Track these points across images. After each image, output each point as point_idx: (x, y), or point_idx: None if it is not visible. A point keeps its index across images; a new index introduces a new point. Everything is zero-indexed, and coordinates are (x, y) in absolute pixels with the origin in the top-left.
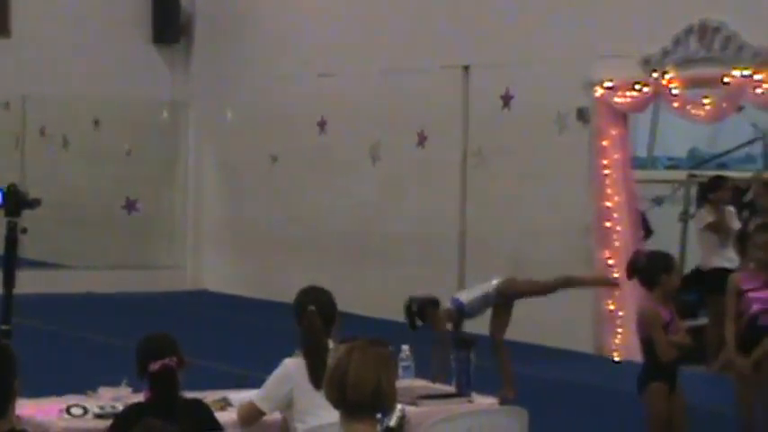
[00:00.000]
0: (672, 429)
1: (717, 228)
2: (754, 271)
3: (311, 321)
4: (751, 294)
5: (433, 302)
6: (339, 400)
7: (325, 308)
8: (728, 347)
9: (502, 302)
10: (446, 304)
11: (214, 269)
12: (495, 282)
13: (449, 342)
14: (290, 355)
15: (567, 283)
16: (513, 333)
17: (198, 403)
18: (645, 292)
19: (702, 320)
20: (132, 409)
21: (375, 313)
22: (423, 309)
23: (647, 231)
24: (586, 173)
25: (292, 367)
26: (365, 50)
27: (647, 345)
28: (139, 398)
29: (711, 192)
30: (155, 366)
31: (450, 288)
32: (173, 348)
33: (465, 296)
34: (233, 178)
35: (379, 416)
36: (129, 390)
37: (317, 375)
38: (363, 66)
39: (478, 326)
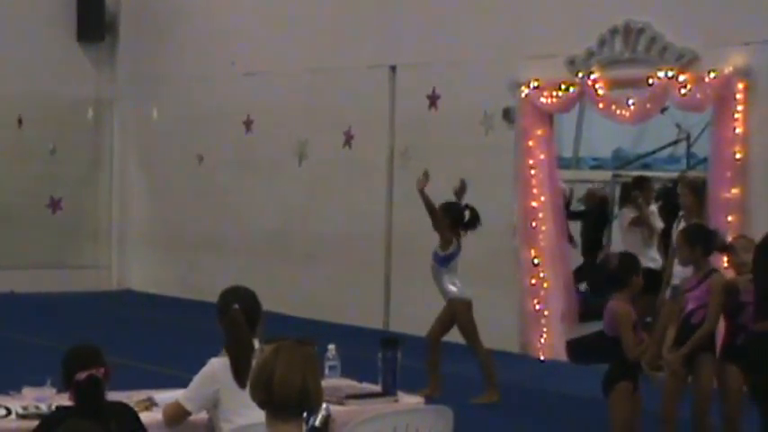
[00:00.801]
0: (633, 429)
1: (640, 222)
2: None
3: (235, 319)
4: (688, 294)
5: None
6: (265, 400)
7: (249, 306)
8: (652, 344)
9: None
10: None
11: (139, 269)
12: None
13: None
14: (215, 354)
15: None
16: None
17: (123, 406)
18: (614, 293)
19: None
20: (59, 412)
21: (301, 313)
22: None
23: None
24: (512, 173)
25: (218, 367)
26: (292, 50)
27: (616, 344)
28: (63, 398)
29: (634, 191)
30: (81, 376)
31: (376, 288)
32: (99, 359)
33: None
34: (158, 177)
35: (304, 415)
36: (54, 390)
37: (241, 374)
38: (290, 65)
39: (406, 326)
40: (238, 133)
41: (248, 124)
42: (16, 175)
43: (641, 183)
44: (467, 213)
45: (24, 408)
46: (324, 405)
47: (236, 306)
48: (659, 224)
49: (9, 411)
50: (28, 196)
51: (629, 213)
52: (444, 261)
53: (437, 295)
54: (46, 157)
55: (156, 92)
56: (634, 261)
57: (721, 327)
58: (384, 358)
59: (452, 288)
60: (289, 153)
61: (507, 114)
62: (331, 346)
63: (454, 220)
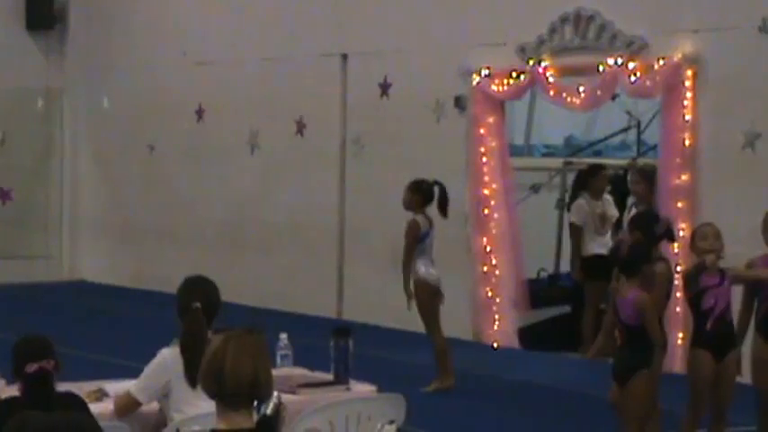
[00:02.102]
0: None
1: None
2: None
3: (195, 319)
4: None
5: None
6: (216, 390)
7: (210, 302)
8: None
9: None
10: None
11: (91, 259)
12: None
13: None
14: (167, 345)
15: None
16: (392, 320)
17: (72, 396)
18: (625, 280)
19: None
20: (6, 404)
21: (254, 302)
22: None
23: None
24: (464, 160)
25: (169, 357)
26: (243, 38)
27: (640, 331)
28: (13, 390)
29: (590, 179)
30: (31, 369)
31: (329, 276)
32: (49, 351)
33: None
34: (110, 167)
35: (255, 404)
36: (3, 382)
37: (193, 372)
38: (241, 54)
39: (358, 315)
40: (190, 123)
41: (200, 113)
42: None
43: (596, 171)
44: (436, 189)
45: None
46: (275, 394)
47: (197, 305)
48: (613, 212)
49: None
50: None
51: (585, 201)
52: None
53: (390, 284)
54: None
55: (107, 81)
56: (644, 249)
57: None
58: (336, 347)
59: (418, 270)
60: (241, 142)
61: (459, 102)
62: (283, 335)
63: (424, 197)
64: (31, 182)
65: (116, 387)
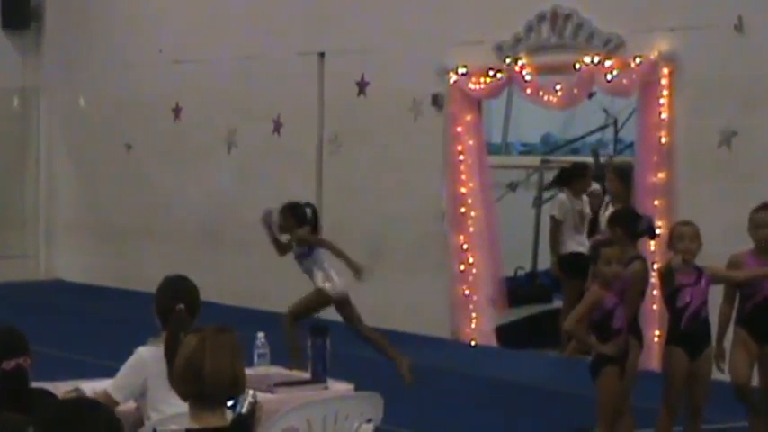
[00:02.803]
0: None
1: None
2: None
3: (180, 320)
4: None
5: None
6: (194, 391)
7: (192, 304)
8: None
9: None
10: None
11: (67, 258)
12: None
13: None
14: (143, 343)
15: None
16: (372, 319)
17: (47, 394)
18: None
19: (557, 304)
20: None
21: (230, 301)
22: None
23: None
24: (441, 159)
25: (147, 356)
26: (220, 36)
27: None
28: None
29: (575, 178)
30: (9, 366)
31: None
32: (25, 346)
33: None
34: (87, 166)
35: (229, 403)
36: None
37: None
38: (218, 52)
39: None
40: (167, 121)
41: (177, 112)
42: None
43: (581, 170)
44: (308, 211)
45: None
46: (250, 392)
47: (181, 306)
48: (589, 211)
49: None
50: None
51: (566, 197)
52: (303, 257)
53: (369, 281)
54: None
55: (83, 80)
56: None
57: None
58: (314, 345)
59: (318, 281)
60: (218, 141)
61: (436, 100)
62: (260, 334)
63: (299, 220)
64: (7, 181)
65: (93, 386)
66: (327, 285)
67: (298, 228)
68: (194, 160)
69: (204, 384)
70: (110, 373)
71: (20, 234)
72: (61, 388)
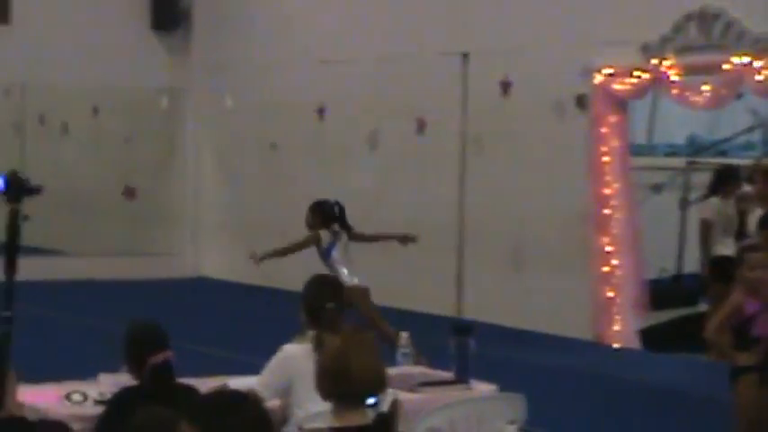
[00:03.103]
0: None
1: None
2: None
3: (332, 319)
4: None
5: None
6: (340, 391)
7: (341, 303)
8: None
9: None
10: None
11: (213, 256)
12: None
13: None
14: (289, 341)
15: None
16: (515, 320)
17: (192, 390)
18: None
19: (703, 307)
20: (127, 394)
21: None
22: None
23: None
24: (585, 160)
25: (293, 354)
26: (365, 37)
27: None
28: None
29: (727, 181)
30: (157, 360)
31: (448, 275)
32: (167, 340)
33: None
34: (232, 165)
35: (369, 402)
36: (129, 376)
37: None
38: (363, 52)
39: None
40: (311, 121)
41: (321, 112)
42: (92, 164)
43: (737, 174)
44: (336, 209)
45: (101, 394)
46: (390, 390)
47: (332, 305)
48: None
49: (86, 397)
50: (104, 184)
51: (718, 200)
52: (326, 255)
53: (511, 282)
54: (121, 146)
55: (230, 80)
56: None
57: None
58: (457, 345)
59: (344, 277)
60: (361, 141)
61: (581, 101)
62: (404, 334)
63: (326, 216)
64: (155, 180)
65: (238, 383)
66: (356, 281)
67: (323, 226)
68: (337, 160)
69: (351, 384)
70: (253, 370)
71: (167, 232)
72: (208, 384)
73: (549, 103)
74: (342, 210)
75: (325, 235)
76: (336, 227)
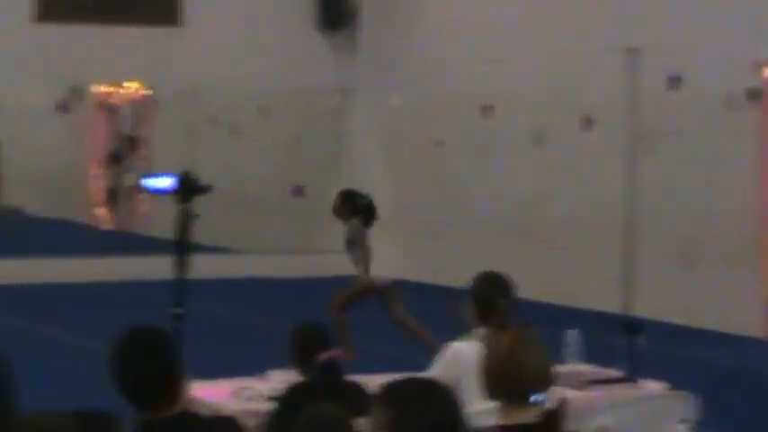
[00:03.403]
0: None
1: None
2: None
3: (503, 316)
4: None
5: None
6: (511, 389)
7: (513, 299)
8: None
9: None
10: None
11: (381, 254)
12: None
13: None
14: (454, 338)
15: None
16: (686, 318)
17: (360, 388)
18: None
19: None
20: (297, 390)
21: (540, 297)
22: None
23: None
24: (757, 155)
25: (461, 351)
26: (531, 33)
27: None
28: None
29: None
30: (324, 357)
31: (616, 272)
32: (331, 339)
33: None
34: (399, 163)
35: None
36: (297, 373)
37: None
38: (528, 49)
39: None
40: (477, 118)
41: (486, 110)
42: (261, 163)
43: None
44: (364, 202)
45: (272, 390)
46: (556, 388)
47: (505, 301)
48: None
49: (256, 393)
50: (272, 183)
51: None
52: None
53: (682, 280)
54: (290, 145)
55: (396, 78)
56: None
57: None
58: (627, 343)
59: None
60: (527, 137)
61: (752, 95)
62: (572, 331)
63: (353, 208)
64: (323, 178)
65: None
66: (372, 275)
67: (351, 216)
68: (503, 157)
69: (520, 382)
70: (420, 368)
71: (335, 230)
72: (376, 381)
73: (720, 97)
74: (367, 206)
75: (354, 225)
76: (359, 219)
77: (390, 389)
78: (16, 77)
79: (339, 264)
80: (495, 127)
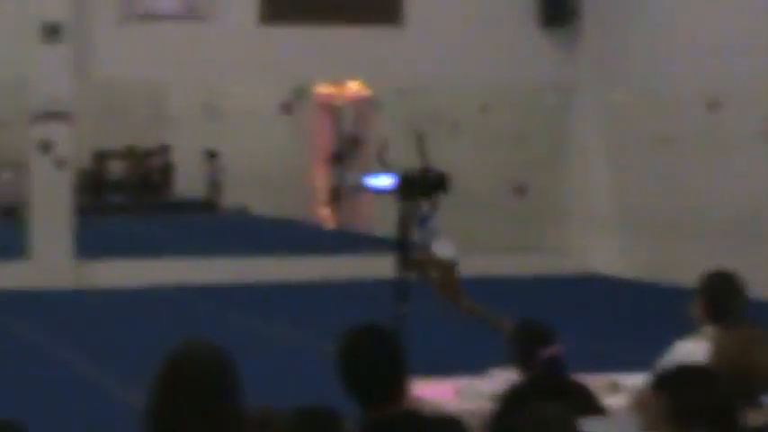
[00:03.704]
0: None
1: None
2: None
3: (737, 316)
4: None
5: None
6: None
7: (745, 298)
8: None
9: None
10: None
11: (603, 251)
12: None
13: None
14: (678, 338)
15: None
16: None
17: (584, 388)
18: None
19: None
20: (520, 390)
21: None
22: None
23: None
24: None
25: (688, 351)
26: (756, 25)
27: None
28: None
29: None
30: (545, 354)
31: None
32: (555, 336)
33: None
34: (620, 160)
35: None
36: (518, 371)
37: None
38: (756, 41)
39: None
40: (702, 114)
41: (712, 105)
42: (482, 162)
43: None
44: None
45: (494, 390)
46: None
47: (739, 301)
48: None
49: (479, 392)
50: (494, 182)
51: None
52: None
53: None
54: (511, 143)
55: (617, 75)
56: None
57: None
58: None
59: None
60: (755, 132)
61: None
62: None
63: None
64: (543, 176)
65: (629, 380)
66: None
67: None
68: (730, 153)
69: (752, 382)
70: (643, 367)
71: (556, 228)
72: (598, 381)
73: None
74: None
75: (423, 204)
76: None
77: (665, 377)
78: (242, 79)
79: (559, 262)
80: (720, 122)
